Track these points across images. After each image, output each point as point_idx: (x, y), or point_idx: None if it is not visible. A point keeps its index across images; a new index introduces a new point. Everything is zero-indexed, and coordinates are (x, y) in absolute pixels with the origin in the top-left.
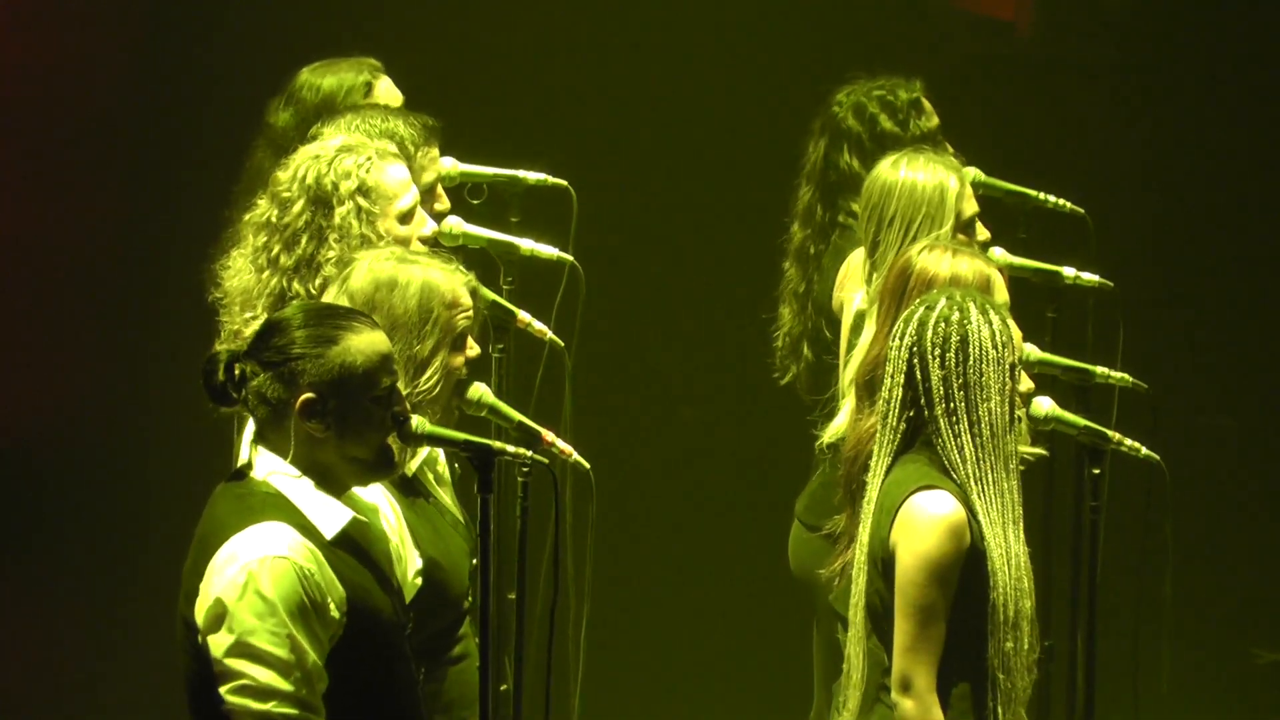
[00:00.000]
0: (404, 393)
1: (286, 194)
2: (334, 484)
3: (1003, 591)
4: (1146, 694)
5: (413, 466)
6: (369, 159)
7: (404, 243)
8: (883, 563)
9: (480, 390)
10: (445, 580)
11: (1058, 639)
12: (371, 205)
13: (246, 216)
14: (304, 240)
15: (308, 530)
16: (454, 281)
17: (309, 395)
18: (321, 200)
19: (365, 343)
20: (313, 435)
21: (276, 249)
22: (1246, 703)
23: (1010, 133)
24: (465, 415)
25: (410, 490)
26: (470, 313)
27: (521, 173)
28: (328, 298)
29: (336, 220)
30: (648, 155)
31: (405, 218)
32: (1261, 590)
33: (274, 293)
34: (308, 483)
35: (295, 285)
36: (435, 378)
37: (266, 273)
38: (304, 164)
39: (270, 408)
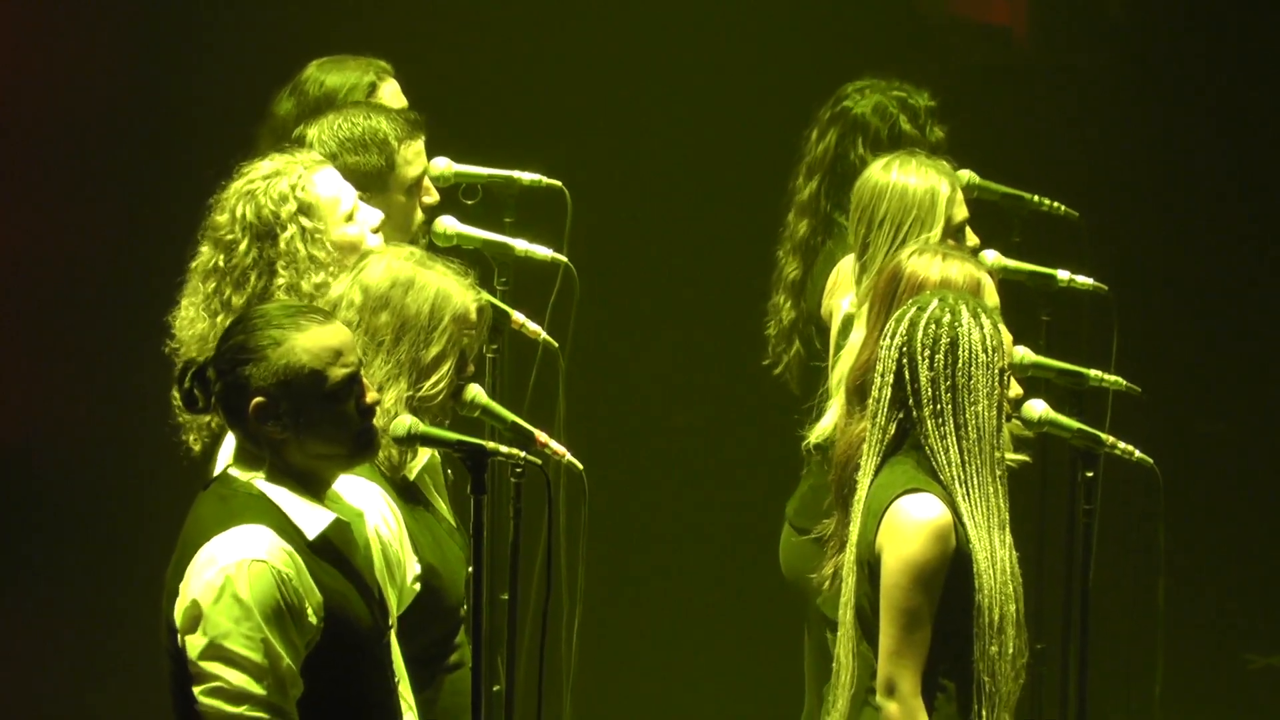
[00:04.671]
0: (406, 395)
1: (230, 237)
2: (313, 483)
3: (988, 595)
4: (1139, 697)
5: (414, 471)
6: (299, 176)
7: (356, 244)
8: (870, 566)
9: (474, 391)
10: (442, 587)
11: (1050, 642)
12: (316, 223)
13: (193, 264)
14: (253, 277)
15: (289, 532)
16: (467, 298)
17: (259, 399)
18: (265, 233)
19: (310, 339)
20: (273, 438)
21: (228, 292)
22: (1239, 707)
23: (1005, 136)
24: (459, 416)
25: (411, 497)
26: (474, 333)
27: (516, 173)
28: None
29: (282, 247)
30: (642, 157)
31: (349, 217)
32: (1254, 594)
33: None
34: (287, 485)
35: None
36: (440, 385)
37: (220, 316)
38: (238, 202)
39: (230, 412)
